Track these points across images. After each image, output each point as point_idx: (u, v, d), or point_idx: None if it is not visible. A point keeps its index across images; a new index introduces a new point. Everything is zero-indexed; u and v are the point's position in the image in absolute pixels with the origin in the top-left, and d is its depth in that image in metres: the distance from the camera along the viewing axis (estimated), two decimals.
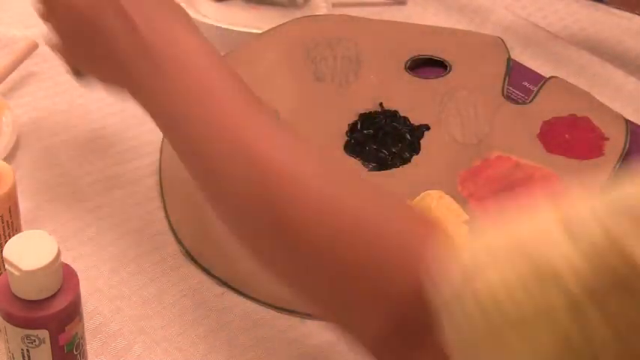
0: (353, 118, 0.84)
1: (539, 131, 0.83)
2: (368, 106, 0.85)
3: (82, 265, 0.70)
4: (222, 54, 0.89)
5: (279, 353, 0.67)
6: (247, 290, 0.71)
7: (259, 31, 0.92)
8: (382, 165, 0.80)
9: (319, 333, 0.68)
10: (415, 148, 0.82)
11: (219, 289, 0.71)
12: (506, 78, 0.89)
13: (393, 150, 0.81)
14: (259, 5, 1.03)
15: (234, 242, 0.74)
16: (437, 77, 0.89)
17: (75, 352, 0.59)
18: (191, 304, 0.69)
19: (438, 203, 0.76)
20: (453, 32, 0.96)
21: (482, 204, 0.77)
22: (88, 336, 0.65)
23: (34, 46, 0.89)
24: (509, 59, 0.91)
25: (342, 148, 0.82)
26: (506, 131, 0.83)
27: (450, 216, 0.76)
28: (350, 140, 0.82)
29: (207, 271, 0.72)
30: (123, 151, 0.82)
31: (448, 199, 0.77)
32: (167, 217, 0.76)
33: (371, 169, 0.80)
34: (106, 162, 0.81)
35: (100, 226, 0.74)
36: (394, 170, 0.80)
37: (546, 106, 0.85)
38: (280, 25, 0.92)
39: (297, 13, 1.01)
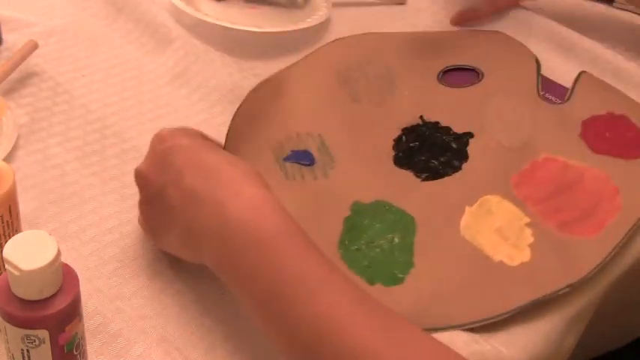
0: (397, 133, 0.85)
1: (580, 131, 0.83)
2: (409, 120, 0.86)
3: (83, 266, 0.70)
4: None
5: (279, 354, 0.67)
6: None
7: (258, 30, 0.93)
8: (434, 175, 0.80)
9: None
10: (463, 156, 0.82)
11: (220, 290, 0.71)
12: (539, 77, 0.89)
13: (442, 159, 0.81)
14: (259, 5, 1.03)
15: None
16: (471, 85, 0.90)
17: (75, 352, 0.59)
18: (192, 305, 0.69)
19: (498, 207, 0.77)
20: (476, 35, 0.96)
21: (540, 207, 0.77)
22: (88, 336, 0.65)
23: (35, 46, 0.89)
24: (536, 58, 0.92)
25: (392, 162, 0.82)
26: (549, 132, 0.84)
27: (513, 219, 0.76)
28: (398, 154, 0.83)
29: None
30: (123, 151, 0.82)
31: (507, 203, 0.77)
32: None
33: (424, 179, 0.80)
34: (106, 162, 0.81)
35: (100, 227, 0.74)
36: (447, 179, 0.80)
37: (583, 105, 0.86)
38: (307, 55, 0.93)
39: (298, 13, 1.01)
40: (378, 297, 0.71)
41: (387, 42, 0.94)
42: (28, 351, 0.57)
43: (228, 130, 0.83)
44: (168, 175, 0.65)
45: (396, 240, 0.75)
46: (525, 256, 0.74)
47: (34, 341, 0.56)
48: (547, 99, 0.88)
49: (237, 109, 0.86)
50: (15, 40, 0.91)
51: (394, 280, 0.72)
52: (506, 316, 0.70)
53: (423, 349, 0.56)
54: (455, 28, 0.99)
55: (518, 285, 0.71)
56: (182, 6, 0.96)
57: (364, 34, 0.96)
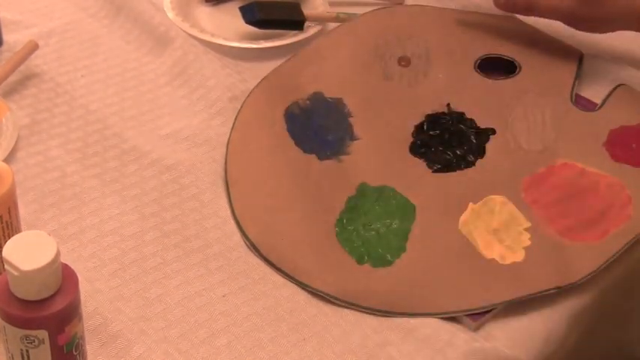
0: (420, 118, 0.85)
1: (606, 139, 0.83)
2: (435, 106, 0.86)
3: (83, 267, 0.70)
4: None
5: (280, 356, 0.66)
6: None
7: (256, 46, 0.93)
8: (446, 167, 0.81)
9: (322, 334, 0.68)
10: (480, 152, 0.82)
11: (221, 292, 0.71)
12: (576, 82, 0.89)
13: (458, 152, 0.82)
14: None
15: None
16: (506, 78, 0.89)
17: (74, 353, 0.59)
18: (192, 307, 0.69)
19: (501, 209, 0.77)
20: (525, 31, 0.95)
21: (545, 211, 0.77)
22: (87, 336, 0.65)
23: (35, 47, 0.89)
24: (581, 57, 0.91)
25: (408, 149, 0.82)
26: (573, 139, 0.83)
27: (513, 224, 0.76)
28: (415, 141, 0.83)
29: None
30: (124, 152, 0.82)
31: (511, 206, 0.77)
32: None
33: (435, 171, 0.80)
34: (106, 164, 0.80)
35: (101, 229, 0.74)
36: (458, 172, 0.80)
37: (615, 114, 0.86)
38: (353, 20, 0.93)
39: None
40: (363, 277, 0.72)
41: (433, 17, 0.94)
42: (27, 351, 0.57)
43: (249, 95, 0.85)
44: None
45: (394, 225, 0.76)
46: (518, 256, 0.74)
47: (34, 341, 0.56)
48: (580, 103, 0.87)
49: (265, 77, 0.87)
50: (15, 41, 0.91)
51: (383, 262, 0.73)
52: (485, 310, 0.70)
53: None
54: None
55: (505, 282, 0.71)
56: (178, 22, 0.96)
57: (413, 5, 0.97)
